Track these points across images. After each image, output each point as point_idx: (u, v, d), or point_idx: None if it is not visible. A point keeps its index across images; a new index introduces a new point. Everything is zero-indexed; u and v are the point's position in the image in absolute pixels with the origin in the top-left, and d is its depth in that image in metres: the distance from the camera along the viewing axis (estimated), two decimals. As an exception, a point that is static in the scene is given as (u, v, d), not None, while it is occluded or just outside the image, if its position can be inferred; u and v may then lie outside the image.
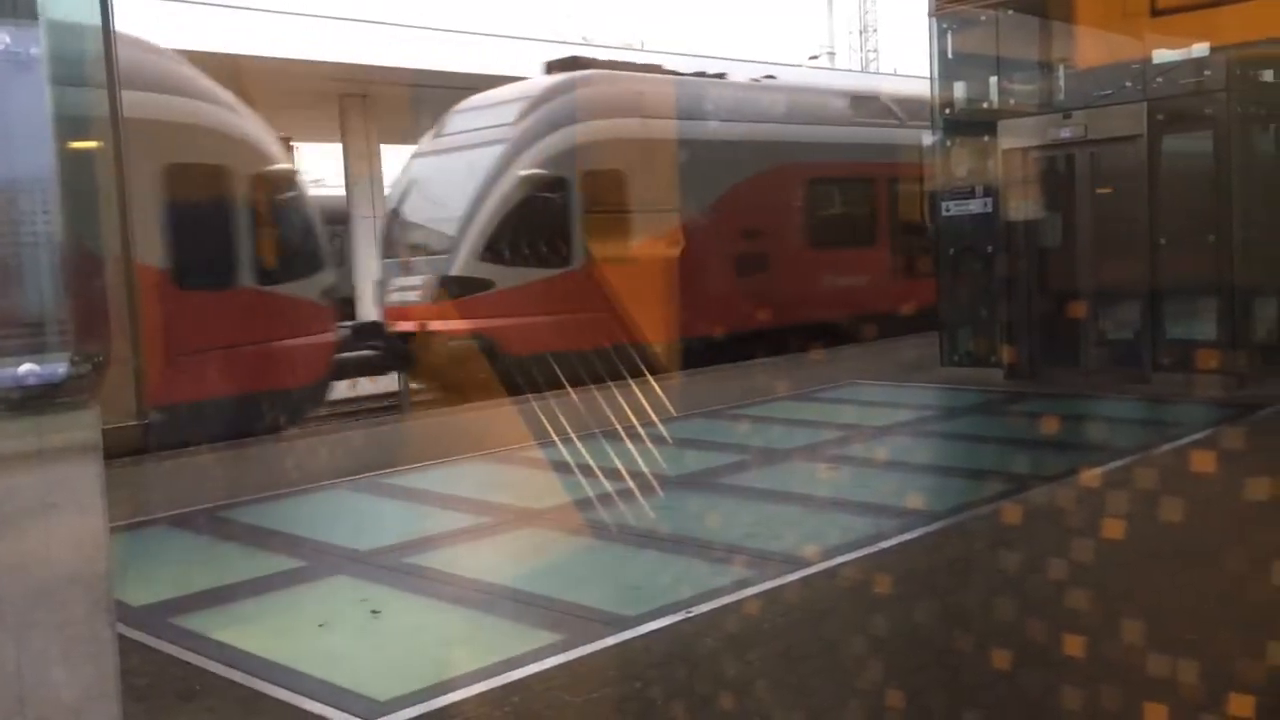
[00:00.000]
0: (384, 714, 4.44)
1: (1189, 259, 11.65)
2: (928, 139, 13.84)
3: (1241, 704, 3.70)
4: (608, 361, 13.18)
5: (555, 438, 9.44)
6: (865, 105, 19.47)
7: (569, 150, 14.64)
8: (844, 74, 31.28)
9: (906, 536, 6.61)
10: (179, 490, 8.81)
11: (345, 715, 4.45)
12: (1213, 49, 10.92)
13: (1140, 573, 5.72)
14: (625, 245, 15.01)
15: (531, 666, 4.81)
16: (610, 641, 5.08)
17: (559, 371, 12.68)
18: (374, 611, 5.78)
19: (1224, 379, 11.09)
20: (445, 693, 4.58)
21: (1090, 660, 4.43)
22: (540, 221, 14.51)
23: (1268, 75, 12.72)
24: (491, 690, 4.58)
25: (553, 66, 16.50)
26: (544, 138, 14.62)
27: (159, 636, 5.45)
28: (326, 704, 4.55)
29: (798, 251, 17.45)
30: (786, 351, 15.40)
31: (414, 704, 4.50)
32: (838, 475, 8.55)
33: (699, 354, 14.72)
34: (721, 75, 18.30)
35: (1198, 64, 11.46)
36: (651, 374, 12.65)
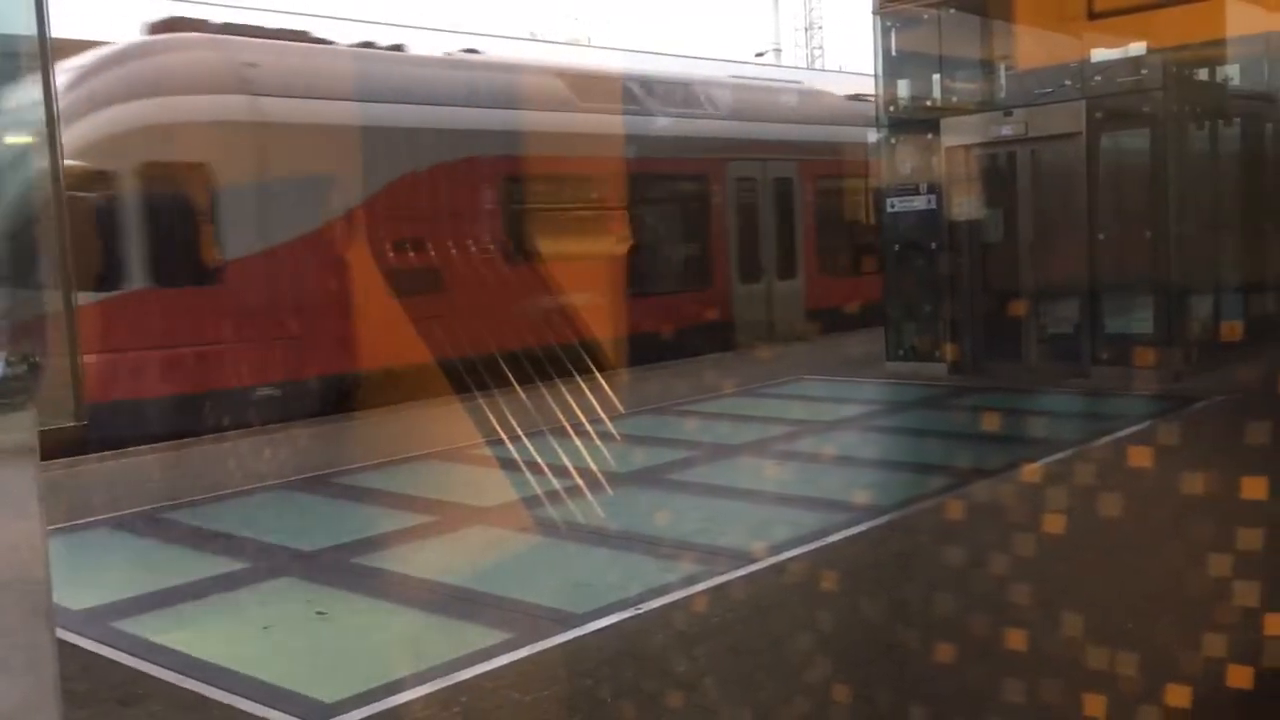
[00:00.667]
0: (331, 716, 4.40)
1: (1127, 255, 11.89)
2: (872, 136, 13.97)
3: (1178, 694, 3.79)
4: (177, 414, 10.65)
5: (504, 436, 9.41)
6: (591, 87, 15.57)
7: (118, 135, 11.04)
8: (578, 50, 23.13)
9: (853, 531, 6.68)
10: (120, 492, 8.66)
11: (290, 718, 4.41)
12: (1149, 50, 11.15)
13: (1080, 565, 5.83)
14: (206, 261, 11.47)
15: (480, 666, 4.79)
16: (559, 639, 5.08)
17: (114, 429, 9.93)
18: (320, 613, 5.73)
19: (1160, 373, 11.32)
20: (393, 694, 4.55)
21: (1033, 652, 4.50)
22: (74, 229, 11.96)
23: (1202, 75, 13.03)
24: (440, 690, 4.56)
25: (154, 28, 12.50)
26: (83, 118, 10.87)
27: (100, 641, 5.35)
28: (272, 707, 4.50)
29: (485, 265, 13.67)
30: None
31: (361, 705, 4.47)
32: (785, 471, 8.61)
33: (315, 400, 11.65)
34: (399, 47, 14.35)
35: (1135, 64, 11.69)
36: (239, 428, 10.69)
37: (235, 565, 6.62)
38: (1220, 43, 11.63)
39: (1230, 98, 13.49)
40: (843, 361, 14.32)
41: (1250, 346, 12.59)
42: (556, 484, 7.86)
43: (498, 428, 9.59)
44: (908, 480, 8.27)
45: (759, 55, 40.79)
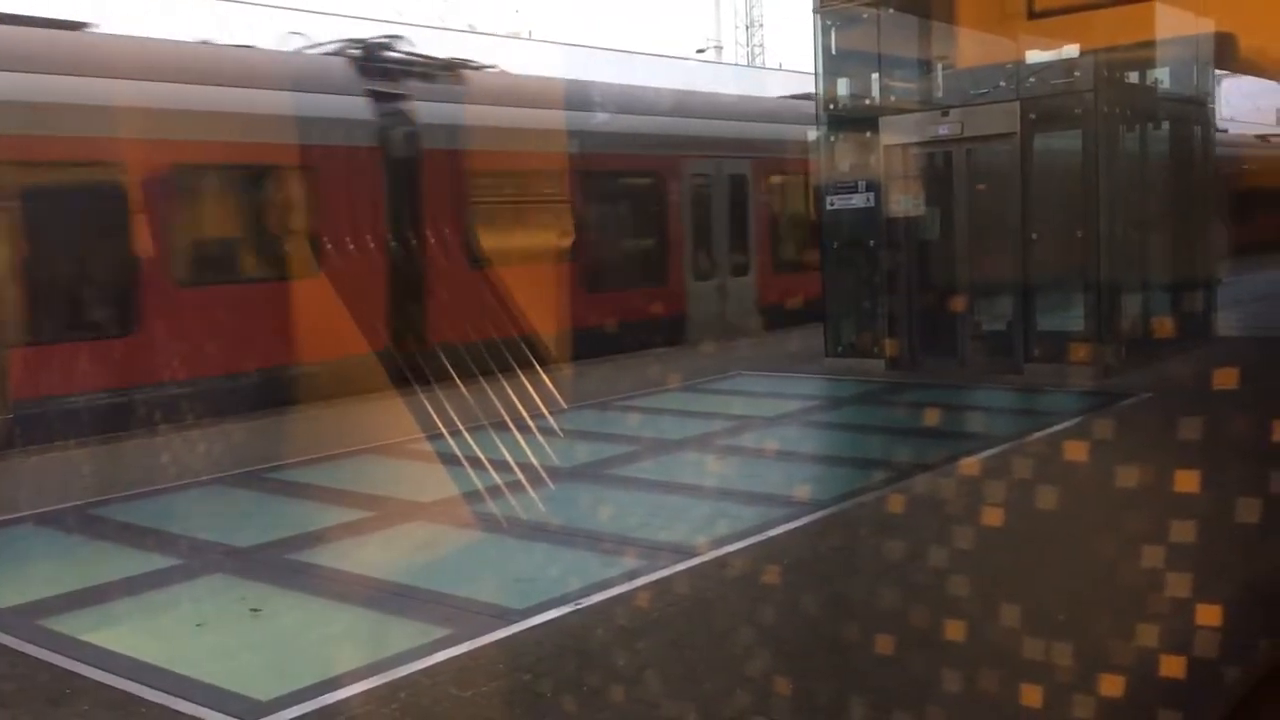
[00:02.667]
0: (266, 714, 4.33)
1: (1059, 254, 12.10)
2: (812, 134, 14.05)
3: (1112, 684, 3.85)
4: None
5: (444, 431, 9.32)
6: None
7: None
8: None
9: (793, 525, 6.71)
10: (46, 486, 8.43)
11: (224, 717, 4.32)
12: (1084, 51, 11.34)
13: (1015, 557, 5.91)
14: None
15: (419, 662, 4.74)
16: (499, 635, 5.05)
17: None
18: (254, 610, 5.63)
19: (1092, 370, 11.54)
20: (329, 691, 4.48)
21: (971, 643, 4.56)
22: None
23: (1133, 77, 13.29)
24: (378, 687, 4.50)
25: None
26: None
27: (26, 639, 5.21)
28: (205, 705, 4.41)
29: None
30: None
31: (297, 703, 4.39)
32: (726, 466, 8.64)
33: None
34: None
35: (1068, 65, 11.89)
36: None
37: (167, 562, 6.48)
38: (1151, 45, 11.86)
39: (1159, 100, 13.79)
40: (783, 357, 14.41)
41: (1179, 343, 12.89)
42: (498, 479, 7.80)
43: (439, 422, 9.50)
44: (847, 475, 8.34)
45: (700, 52, 40.89)
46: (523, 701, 4.40)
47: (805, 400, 11.72)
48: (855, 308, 13.52)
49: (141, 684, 4.64)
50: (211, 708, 4.39)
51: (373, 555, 6.61)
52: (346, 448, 9.57)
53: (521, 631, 5.09)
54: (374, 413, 10.92)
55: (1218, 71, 15.91)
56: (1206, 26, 10.50)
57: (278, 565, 6.35)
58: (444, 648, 4.90)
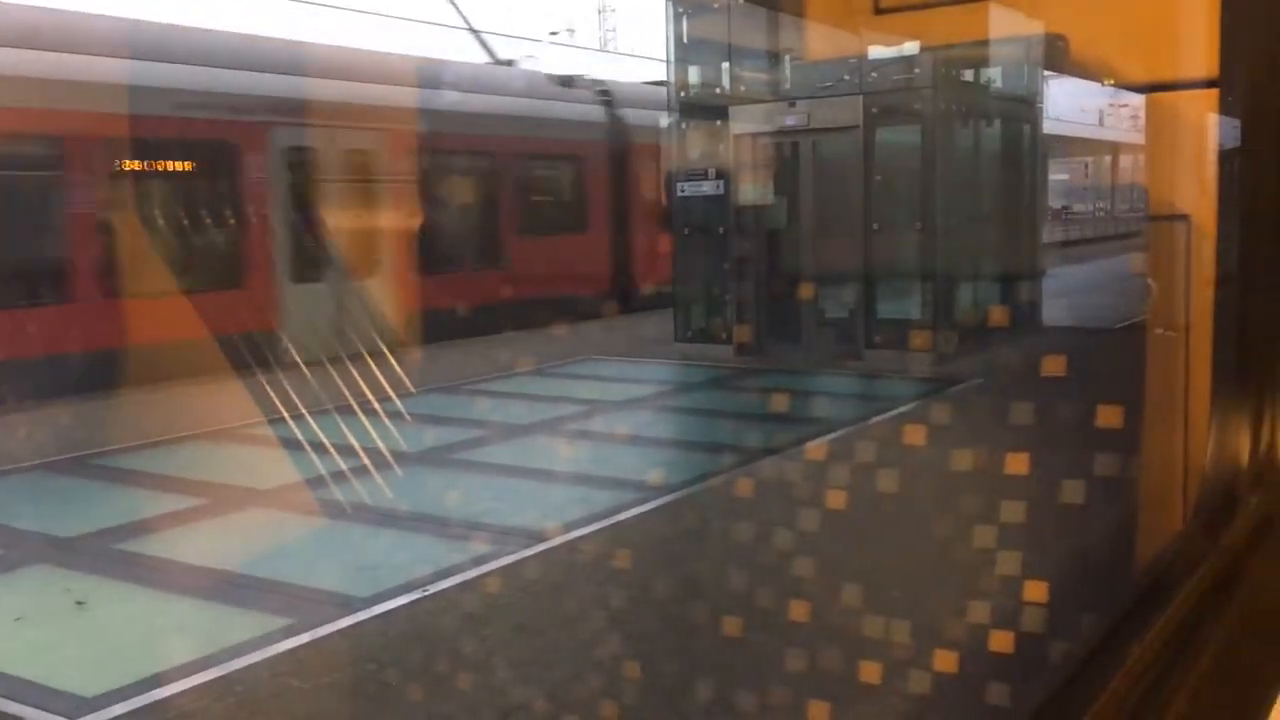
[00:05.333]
0: (91, 711, 4.12)
1: (899, 244, 12.51)
2: (664, 120, 14.15)
3: (946, 660, 4.01)
4: None
5: (285, 415, 9.03)
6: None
7: None
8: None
9: (643, 509, 6.75)
10: None
11: (47, 715, 4.09)
12: (924, 49, 11.73)
13: (855, 538, 6.09)
14: None
15: (257, 654, 4.59)
16: (344, 624, 4.92)
17: None
18: (79, 602, 5.34)
19: (928, 356, 11.99)
20: (159, 686, 4.29)
21: (812, 622, 4.67)
22: None
23: (969, 75, 13.83)
24: (212, 681, 4.34)
25: None
26: None
27: None
28: (25, 703, 4.17)
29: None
30: None
31: (124, 700, 4.20)
32: (576, 450, 8.64)
33: None
34: None
35: (909, 62, 12.29)
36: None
37: (-19, 554, 6.10)
38: (986, 45, 12.35)
39: (993, 99, 14.38)
40: (633, 342, 14.48)
41: (1008, 331, 13.49)
42: (342, 464, 7.60)
43: (279, 406, 9.19)
44: (696, 459, 8.44)
45: (553, 35, 40.65)
46: (368, 691, 4.30)
47: (656, 385, 11.82)
48: (704, 294, 13.69)
49: (-47, 684, 4.36)
50: (33, 705, 4.16)
51: (208, 544, 6.36)
52: (181, 432, 9.18)
53: (367, 620, 4.98)
54: (210, 396, 10.49)
55: (1046, 72, 16.69)
56: (1037, 29, 11.00)
57: (105, 555, 6.05)
58: (284, 638, 4.75)
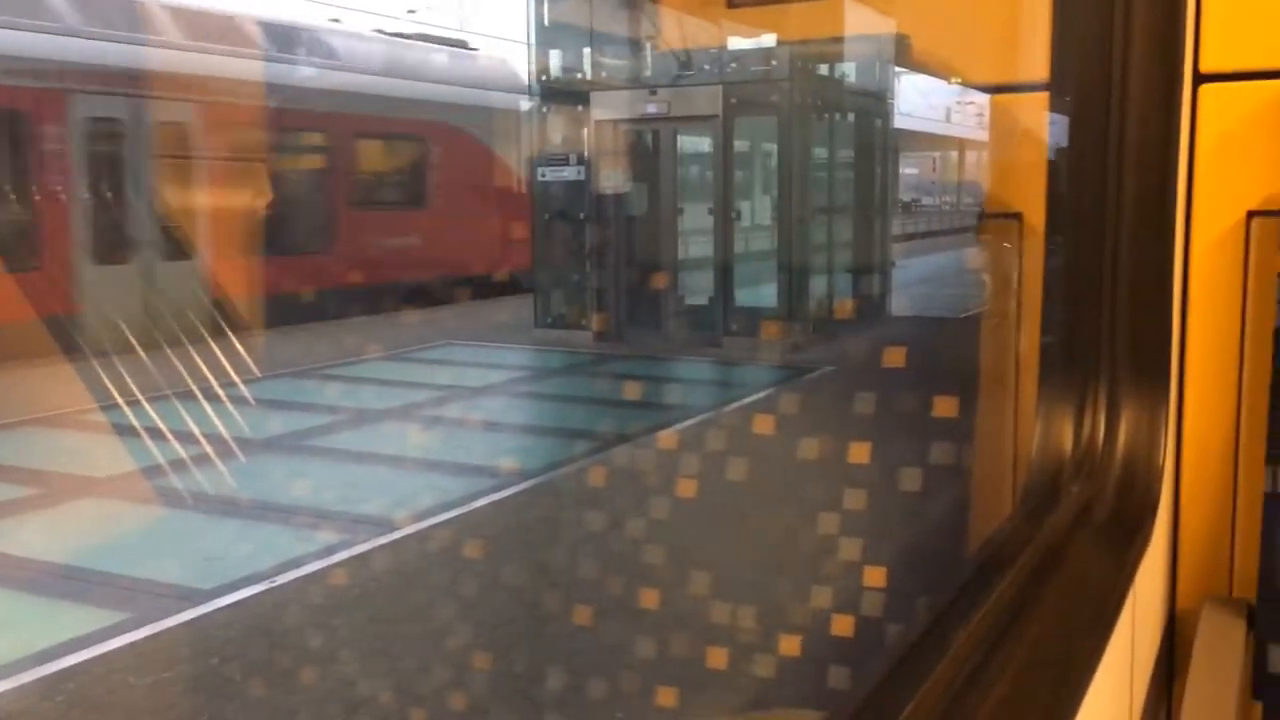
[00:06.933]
0: (-97, 717, 3.88)
1: (756, 234, 12.74)
2: (524, 104, 14.05)
3: (790, 644, 4.11)
4: None
5: (120, 401, 8.64)
6: None
7: None
8: None
9: (496, 497, 6.71)
10: None
11: None
12: (781, 42, 11.95)
13: (704, 526, 6.18)
14: None
15: (91, 650, 4.40)
16: (184, 618, 4.76)
17: None
18: (-109, 600, 5.03)
19: (782, 344, 12.24)
20: (-18, 687, 4.07)
21: (661, 609, 4.72)
22: None
23: (824, 70, 14.14)
24: (39, 679, 4.13)
25: None
26: None
27: None
28: None
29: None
30: None
31: (-58, 703, 3.97)
32: (430, 436, 8.53)
33: None
34: None
35: (766, 54, 12.49)
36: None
37: None
38: (841, 41, 12.65)
39: (847, 93, 14.73)
40: (491, 327, 14.35)
41: (858, 321, 13.88)
42: (182, 452, 7.32)
43: (114, 391, 8.80)
44: (551, 446, 8.43)
45: (410, 12, 39.84)
46: (209, 687, 4.16)
47: (513, 371, 11.76)
48: (564, 280, 13.67)
49: None
50: None
51: (37, 536, 6.05)
52: (6, 419, 8.70)
53: (209, 613, 4.82)
54: (39, 380, 9.97)
55: (897, 69, 17.19)
56: (889, 27, 11.33)
57: (-79, 550, 5.69)
58: (120, 633, 4.57)
